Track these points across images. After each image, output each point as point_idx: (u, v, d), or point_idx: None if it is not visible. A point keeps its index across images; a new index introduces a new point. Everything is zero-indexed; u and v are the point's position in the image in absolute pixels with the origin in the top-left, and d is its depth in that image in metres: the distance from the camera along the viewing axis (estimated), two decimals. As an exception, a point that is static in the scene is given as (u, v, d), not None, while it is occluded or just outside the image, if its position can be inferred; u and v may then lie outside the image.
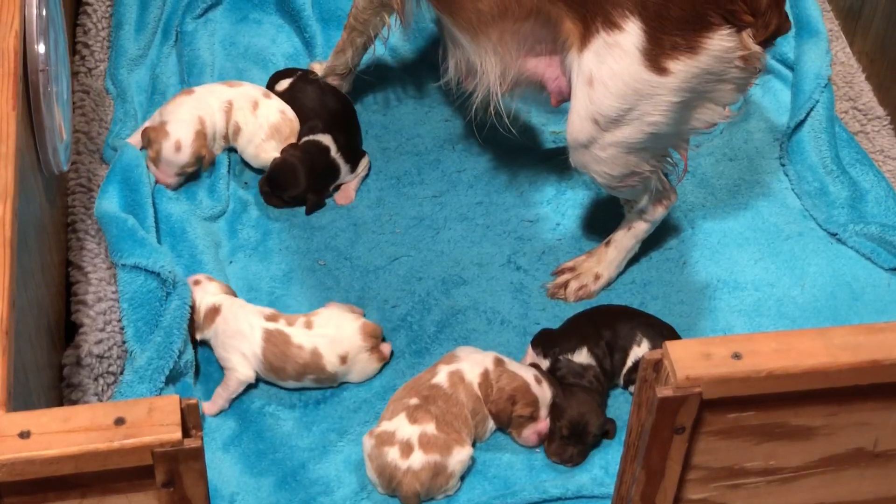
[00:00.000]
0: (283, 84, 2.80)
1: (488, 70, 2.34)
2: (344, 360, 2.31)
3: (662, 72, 2.13)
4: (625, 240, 2.52)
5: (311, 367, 2.29)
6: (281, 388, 2.33)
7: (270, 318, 2.33)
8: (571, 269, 2.54)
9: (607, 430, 2.26)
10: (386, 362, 2.37)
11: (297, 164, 2.62)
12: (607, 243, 2.53)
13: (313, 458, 2.22)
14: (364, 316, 2.41)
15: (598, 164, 2.30)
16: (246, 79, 2.86)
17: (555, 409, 2.23)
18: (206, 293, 2.36)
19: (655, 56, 2.12)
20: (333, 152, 2.65)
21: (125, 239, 2.36)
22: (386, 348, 2.37)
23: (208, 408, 2.28)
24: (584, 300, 2.51)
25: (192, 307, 2.32)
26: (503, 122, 2.49)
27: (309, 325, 2.32)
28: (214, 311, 2.34)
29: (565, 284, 2.52)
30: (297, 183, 2.62)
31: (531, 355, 2.34)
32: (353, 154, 2.70)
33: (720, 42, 2.10)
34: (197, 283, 2.38)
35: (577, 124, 2.25)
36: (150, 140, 2.60)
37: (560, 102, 2.37)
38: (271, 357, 2.28)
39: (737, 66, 2.14)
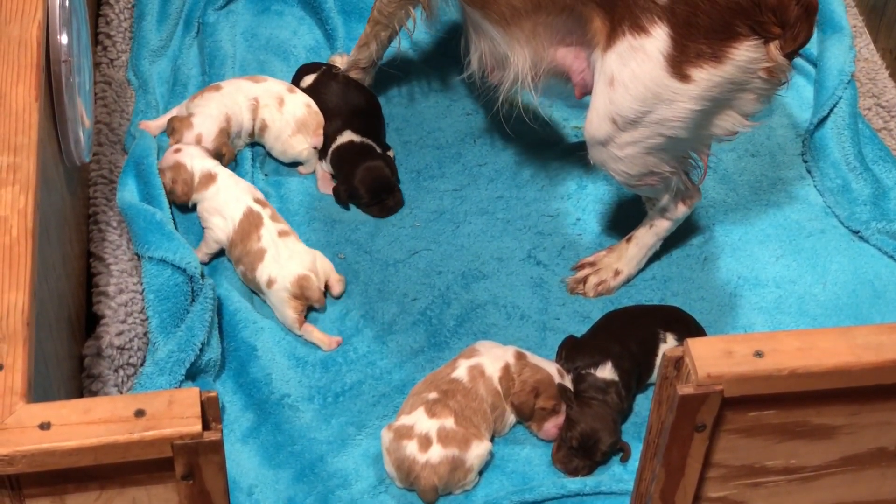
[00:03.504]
0: (308, 80, 2.79)
1: (518, 60, 2.34)
2: (270, 283, 2.38)
3: (685, 79, 2.12)
4: (646, 237, 2.51)
5: (249, 259, 2.40)
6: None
7: (259, 202, 2.48)
8: (591, 265, 2.53)
9: (622, 451, 2.23)
10: (302, 333, 2.39)
11: (385, 168, 2.63)
12: (628, 240, 2.52)
13: (332, 452, 2.22)
14: (344, 287, 2.47)
15: (616, 163, 2.29)
16: (267, 71, 2.86)
17: (568, 420, 2.21)
18: (195, 157, 2.51)
19: (679, 63, 2.11)
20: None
21: (153, 232, 2.37)
22: (316, 336, 2.39)
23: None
24: (603, 295, 2.50)
25: (214, 301, 2.33)
26: (529, 114, 2.48)
27: (283, 234, 2.44)
28: (210, 178, 2.49)
29: (585, 279, 2.51)
30: (393, 185, 2.63)
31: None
32: (382, 146, 2.71)
33: (746, 53, 2.09)
34: (178, 150, 2.51)
35: (595, 123, 2.25)
36: (173, 129, 2.62)
37: (583, 95, 2.36)
38: (239, 230, 2.43)
39: (760, 76, 2.13)
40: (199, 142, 2.58)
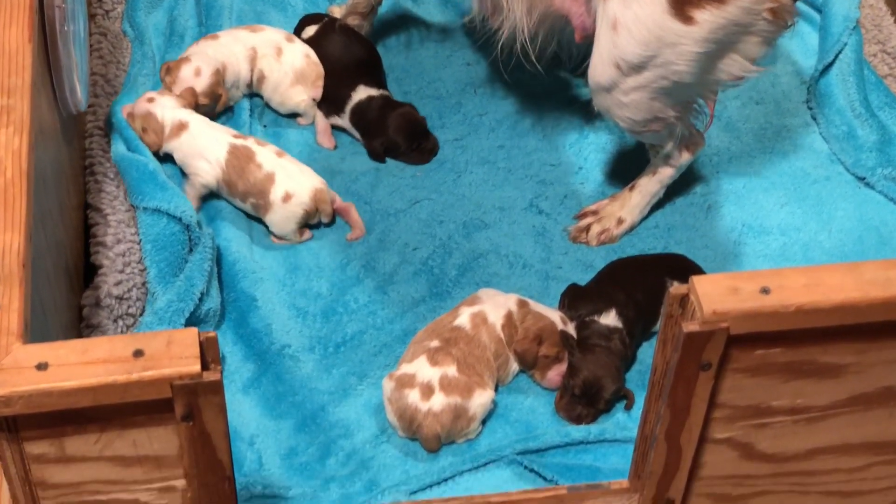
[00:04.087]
0: (310, 31, 2.76)
1: (514, 6, 2.30)
2: (287, 198, 2.39)
3: (688, 21, 2.09)
4: (649, 185, 2.48)
5: (258, 189, 2.38)
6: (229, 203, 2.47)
7: (238, 136, 2.46)
8: (594, 213, 2.51)
9: (625, 398, 2.21)
10: (303, 239, 2.44)
11: (416, 112, 2.62)
12: (631, 188, 2.50)
13: (333, 402, 2.20)
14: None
15: (621, 109, 2.26)
16: (265, 22, 2.83)
17: (571, 367, 2.19)
18: (166, 108, 2.48)
19: (682, 4, 2.08)
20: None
21: (146, 182, 2.35)
22: (306, 234, 2.43)
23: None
24: (606, 244, 2.48)
25: (213, 251, 2.31)
26: (529, 60, 2.45)
27: (279, 154, 2.44)
28: (181, 127, 2.45)
29: (588, 228, 2.49)
30: (426, 127, 2.62)
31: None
32: (385, 89, 2.69)
33: None
34: (151, 100, 2.48)
35: (599, 68, 2.22)
36: (169, 69, 2.59)
37: (584, 38, 2.33)
38: (230, 169, 2.40)
39: (765, 18, 2.10)
40: (197, 74, 2.55)
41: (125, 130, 2.49)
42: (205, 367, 1.44)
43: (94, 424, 1.47)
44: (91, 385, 1.39)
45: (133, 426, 1.48)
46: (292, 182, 2.40)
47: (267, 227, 2.44)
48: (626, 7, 2.13)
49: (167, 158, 2.51)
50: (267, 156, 2.43)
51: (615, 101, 2.25)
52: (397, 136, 2.58)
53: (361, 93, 2.64)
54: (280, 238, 2.43)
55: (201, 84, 2.56)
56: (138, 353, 1.42)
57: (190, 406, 1.45)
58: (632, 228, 2.50)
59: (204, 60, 2.58)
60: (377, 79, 2.69)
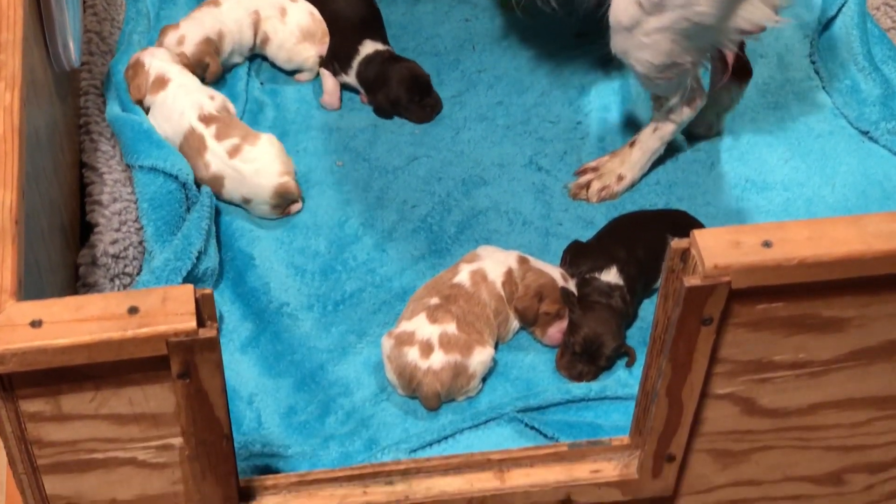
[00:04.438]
0: None
1: None
2: (247, 202, 2.35)
3: None
4: (650, 141, 2.46)
5: (207, 182, 2.34)
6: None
7: (204, 120, 2.37)
8: (594, 170, 2.49)
9: (626, 355, 2.20)
10: (293, 213, 2.40)
11: (419, 67, 2.59)
12: (632, 144, 2.47)
13: (332, 360, 2.19)
14: (292, 176, 2.38)
15: (640, 51, 2.22)
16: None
17: (571, 324, 2.17)
18: (155, 57, 2.44)
19: None
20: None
21: (141, 141, 2.33)
22: (294, 207, 2.39)
23: None
24: (606, 201, 2.46)
25: (211, 209, 2.28)
26: (528, 14, 2.40)
27: (235, 151, 2.34)
28: (162, 83, 2.41)
29: (588, 185, 2.47)
30: (430, 84, 2.59)
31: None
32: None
33: None
34: (144, 49, 2.48)
35: (621, 6, 2.18)
36: (162, 31, 2.58)
37: None
38: (186, 150, 2.36)
39: None
40: (180, 43, 2.53)
41: (121, 90, 2.46)
42: (201, 323, 1.42)
43: (90, 382, 1.46)
44: (85, 342, 1.38)
45: (129, 384, 1.47)
46: (244, 188, 2.34)
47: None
48: None
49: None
50: (216, 154, 2.34)
51: (635, 43, 2.21)
52: (399, 88, 2.55)
53: (368, 47, 2.61)
54: None
55: (186, 51, 2.53)
56: (133, 310, 1.40)
57: (186, 363, 1.44)
58: (632, 185, 2.48)
59: (194, 28, 2.55)
60: (381, 34, 2.67)
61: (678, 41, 2.18)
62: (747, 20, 2.17)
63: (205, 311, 1.44)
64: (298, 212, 2.40)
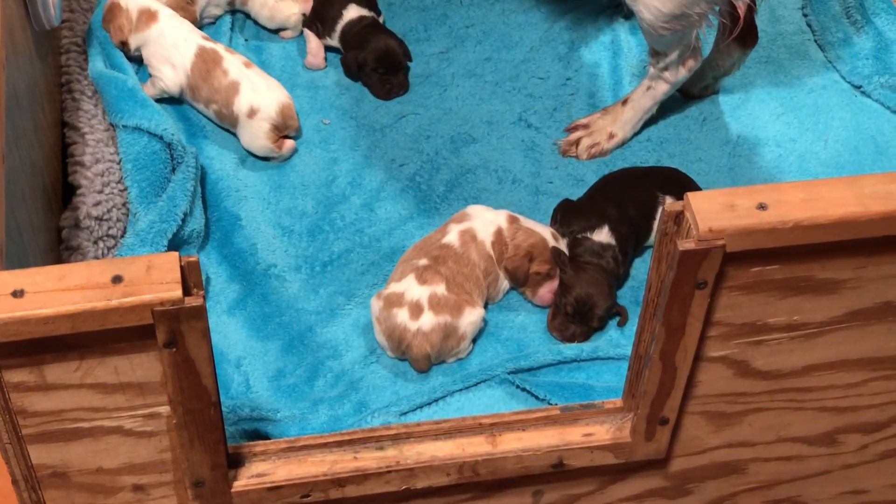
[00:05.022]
0: None
1: None
2: (252, 113, 2.32)
3: None
4: (643, 99, 2.42)
5: (222, 96, 2.33)
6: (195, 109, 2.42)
7: (207, 39, 2.41)
8: (585, 127, 2.46)
9: (619, 315, 2.18)
10: (284, 151, 2.37)
11: (398, 46, 2.53)
12: (624, 102, 2.44)
13: (321, 322, 2.17)
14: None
15: None
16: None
17: (563, 285, 2.15)
18: None
19: None
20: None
21: (125, 100, 2.29)
22: (288, 144, 2.36)
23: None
24: (596, 158, 2.43)
25: (197, 170, 2.25)
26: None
27: (247, 65, 2.37)
28: (150, 16, 2.39)
29: (578, 142, 2.44)
30: (401, 64, 2.53)
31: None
32: (376, 14, 2.62)
33: None
34: None
35: None
36: None
37: None
38: (196, 73, 2.34)
39: None
40: None
41: (103, 46, 2.41)
42: (187, 291, 1.39)
43: (74, 352, 1.43)
44: (69, 312, 1.35)
45: (114, 353, 1.44)
46: (257, 95, 2.34)
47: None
48: None
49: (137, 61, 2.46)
50: (233, 63, 2.37)
51: None
52: (369, 55, 2.50)
53: (353, 12, 2.56)
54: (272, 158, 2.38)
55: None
56: (117, 279, 1.37)
57: (172, 332, 1.41)
58: (623, 143, 2.45)
59: None
60: (370, 1, 2.62)
61: None
62: None
63: (191, 278, 1.41)
64: (290, 155, 2.38)
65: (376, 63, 2.49)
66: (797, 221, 1.45)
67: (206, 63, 2.35)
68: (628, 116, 2.43)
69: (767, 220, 1.45)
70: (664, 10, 2.18)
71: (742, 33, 2.34)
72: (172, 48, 2.37)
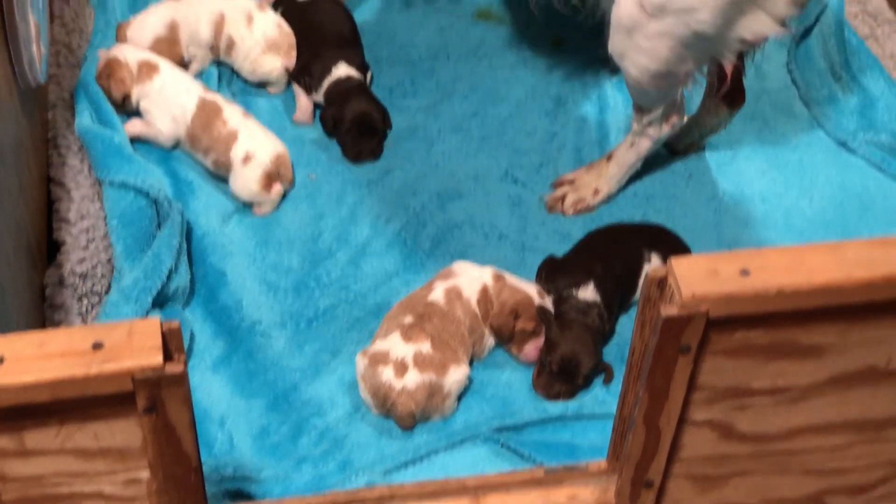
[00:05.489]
0: None
1: None
2: (247, 159, 2.35)
3: None
4: (627, 155, 2.43)
5: (221, 145, 2.36)
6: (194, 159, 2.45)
7: (207, 90, 2.46)
8: (570, 182, 2.46)
9: (604, 372, 2.17)
10: (273, 195, 2.40)
11: (377, 113, 2.51)
12: (608, 157, 2.45)
13: (305, 379, 2.16)
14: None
15: (638, 54, 2.17)
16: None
17: (548, 343, 2.14)
18: (127, 51, 2.45)
19: None
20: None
21: (112, 156, 2.29)
22: (276, 188, 2.39)
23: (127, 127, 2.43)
24: (583, 214, 2.43)
25: (182, 226, 2.25)
26: (505, 24, 2.36)
27: (245, 115, 2.43)
28: (151, 68, 2.42)
29: (563, 197, 2.44)
30: (377, 131, 2.52)
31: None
32: (364, 71, 2.62)
33: None
34: (108, 50, 2.47)
35: (624, 6, 2.12)
36: (119, 29, 2.60)
37: None
38: (197, 123, 2.38)
39: None
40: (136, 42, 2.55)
41: (91, 101, 2.42)
42: (168, 357, 1.39)
43: (54, 418, 1.42)
44: (49, 380, 1.34)
45: (94, 419, 1.43)
46: (254, 143, 2.37)
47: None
48: None
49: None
50: (233, 113, 2.41)
51: (634, 45, 2.16)
52: (348, 114, 2.49)
53: (342, 70, 2.57)
54: (259, 206, 2.38)
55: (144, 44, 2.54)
56: (97, 346, 1.37)
57: (153, 399, 1.40)
58: (609, 198, 2.46)
59: (143, 31, 2.55)
60: (358, 57, 2.62)
61: (676, 49, 2.14)
62: (750, 30, 2.10)
63: (172, 344, 1.40)
64: (277, 201, 2.40)
65: (352, 124, 2.50)
66: (780, 288, 1.45)
67: (206, 114, 2.39)
68: (613, 172, 2.43)
69: (751, 286, 1.45)
70: (651, 68, 2.19)
71: (729, 93, 2.35)
72: (174, 100, 2.40)
